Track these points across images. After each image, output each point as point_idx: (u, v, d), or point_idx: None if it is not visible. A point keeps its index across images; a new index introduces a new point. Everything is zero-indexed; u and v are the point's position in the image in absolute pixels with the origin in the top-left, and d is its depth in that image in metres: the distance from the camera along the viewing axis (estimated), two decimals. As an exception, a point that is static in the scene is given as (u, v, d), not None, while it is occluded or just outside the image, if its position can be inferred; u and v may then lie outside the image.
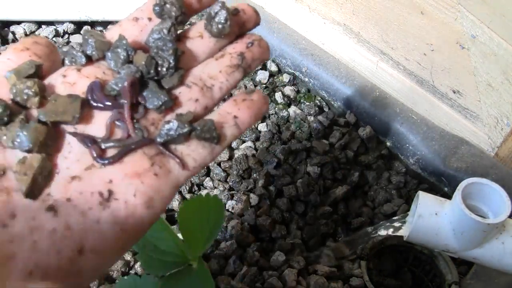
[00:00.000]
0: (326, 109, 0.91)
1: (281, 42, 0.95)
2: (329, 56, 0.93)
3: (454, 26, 0.70)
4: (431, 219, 0.54)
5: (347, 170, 0.81)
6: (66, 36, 1.02)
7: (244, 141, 0.85)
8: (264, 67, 0.97)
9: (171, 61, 0.35)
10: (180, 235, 0.52)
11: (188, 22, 0.40)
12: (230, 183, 0.78)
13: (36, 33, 1.01)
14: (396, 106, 0.84)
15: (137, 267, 0.68)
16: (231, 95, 0.37)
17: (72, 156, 0.32)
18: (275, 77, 0.96)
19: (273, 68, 0.96)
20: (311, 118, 0.88)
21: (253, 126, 0.87)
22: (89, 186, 0.31)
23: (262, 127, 0.87)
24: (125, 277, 0.57)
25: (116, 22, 1.11)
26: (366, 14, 0.84)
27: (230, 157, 0.81)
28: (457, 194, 0.51)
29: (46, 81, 0.35)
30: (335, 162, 0.81)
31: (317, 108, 0.89)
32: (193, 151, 0.34)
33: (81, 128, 0.33)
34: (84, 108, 0.33)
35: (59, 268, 0.28)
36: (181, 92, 0.36)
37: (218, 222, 0.50)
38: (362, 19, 0.85)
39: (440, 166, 0.77)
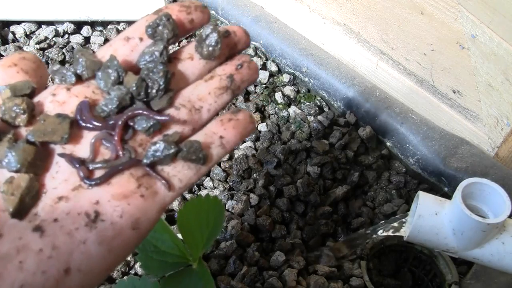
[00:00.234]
0: (326, 109, 0.91)
1: (281, 42, 0.95)
2: (329, 56, 0.93)
3: (454, 26, 0.70)
4: (431, 219, 0.54)
5: (347, 170, 0.81)
6: (66, 36, 1.02)
7: (244, 141, 0.85)
8: (264, 67, 0.97)
9: (161, 83, 0.35)
10: (180, 236, 0.52)
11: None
12: (230, 183, 0.78)
13: (36, 33, 1.01)
14: (396, 106, 0.84)
15: (137, 267, 0.68)
16: (217, 114, 0.38)
17: (59, 176, 0.32)
18: (275, 77, 0.96)
19: (273, 68, 0.96)
20: (311, 118, 0.88)
21: (253, 126, 0.87)
22: (76, 207, 0.31)
23: (262, 127, 0.87)
24: (125, 278, 0.57)
25: (116, 22, 1.11)
26: (366, 14, 0.84)
27: (230, 157, 0.81)
28: (457, 194, 0.51)
29: (35, 99, 0.35)
30: (335, 162, 0.81)
31: (317, 108, 0.89)
32: (179, 172, 0.34)
33: (70, 148, 0.33)
34: (73, 128, 0.33)
35: None
36: (170, 114, 0.36)
37: (218, 223, 0.50)
38: (362, 19, 0.85)
39: (440, 166, 0.77)
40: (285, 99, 0.91)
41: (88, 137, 0.34)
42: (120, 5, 1.01)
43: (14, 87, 0.33)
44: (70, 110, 0.34)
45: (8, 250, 0.28)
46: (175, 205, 0.76)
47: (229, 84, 0.38)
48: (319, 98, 0.92)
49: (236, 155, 0.81)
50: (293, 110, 0.89)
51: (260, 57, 0.98)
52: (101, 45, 0.99)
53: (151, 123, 0.34)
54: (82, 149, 0.34)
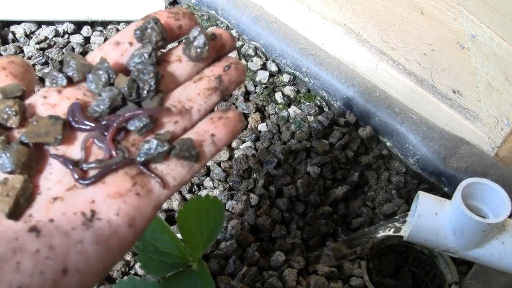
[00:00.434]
0: (326, 109, 0.91)
1: (281, 42, 0.95)
2: (329, 56, 0.93)
3: (454, 26, 0.70)
4: (431, 219, 0.54)
5: (347, 170, 0.81)
6: (66, 36, 1.02)
7: (244, 141, 0.85)
8: (264, 67, 0.97)
9: (152, 84, 0.36)
10: (179, 236, 0.52)
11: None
12: (230, 183, 0.78)
13: (36, 33, 1.01)
14: (396, 106, 0.84)
15: (137, 267, 0.68)
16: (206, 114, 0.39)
17: (53, 177, 0.32)
18: (275, 77, 0.96)
19: (273, 68, 0.96)
20: (311, 118, 0.88)
21: (253, 126, 0.87)
22: (72, 207, 0.31)
23: (262, 127, 0.87)
24: (125, 278, 0.57)
25: (116, 22, 1.11)
26: (366, 14, 0.84)
27: (230, 157, 0.82)
28: (457, 194, 0.51)
29: (27, 102, 0.35)
30: (335, 162, 0.81)
31: (317, 108, 0.89)
32: (173, 170, 0.34)
33: (63, 149, 0.34)
34: (66, 129, 0.34)
35: None
36: (166, 107, 0.37)
37: (218, 224, 0.50)
38: (362, 19, 0.85)
39: (440, 166, 0.77)
40: (285, 99, 0.91)
41: (81, 138, 0.34)
42: (120, 5, 1.01)
43: (4, 90, 0.34)
44: (61, 112, 0.35)
45: (4, 251, 0.28)
46: (175, 205, 0.76)
47: (217, 85, 0.38)
48: (319, 98, 0.92)
49: (236, 155, 0.81)
50: (293, 110, 0.89)
51: (260, 57, 0.98)
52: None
53: (144, 123, 0.35)
54: (75, 150, 0.34)
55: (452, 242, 0.54)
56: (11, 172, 0.31)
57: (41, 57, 0.94)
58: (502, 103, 0.70)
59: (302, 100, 0.92)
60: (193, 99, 0.38)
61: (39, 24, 1.02)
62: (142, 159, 0.33)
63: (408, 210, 0.61)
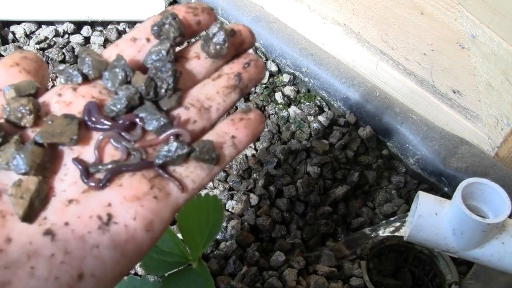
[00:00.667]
0: (326, 109, 0.91)
1: (281, 42, 0.95)
2: (329, 56, 0.93)
3: (454, 26, 0.70)
4: (431, 219, 0.54)
5: (347, 170, 0.81)
6: (66, 36, 1.02)
7: (244, 141, 0.85)
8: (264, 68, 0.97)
9: (170, 82, 0.35)
10: (179, 235, 0.52)
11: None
12: (230, 183, 0.78)
13: (36, 33, 1.01)
14: (396, 106, 0.84)
15: (137, 267, 0.68)
16: (228, 114, 0.37)
17: (68, 178, 0.32)
18: (275, 77, 0.96)
19: (273, 68, 0.96)
20: (311, 118, 0.88)
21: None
22: (87, 210, 0.30)
23: (262, 127, 0.87)
24: (125, 278, 0.57)
25: (116, 22, 1.11)
26: (366, 14, 0.84)
27: (230, 157, 0.81)
28: (457, 194, 0.51)
29: (41, 99, 0.34)
30: (335, 162, 0.81)
31: (317, 108, 0.89)
32: (192, 173, 0.33)
33: (78, 150, 0.33)
34: (81, 129, 0.33)
35: None
36: (179, 114, 0.35)
37: (218, 223, 0.50)
38: (362, 19, 0.85)
39: (440, 166, 0.77)
40: (285, 99, 0.91)
41: (97, 138, 0.33)
42: (120, 5, 1.01)
43: (18, 87, 0.32)
44: (76, 110, 0.34)
45: (19, 255, 0.27)
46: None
47: (237, 83, 0.37)
48: (319, 98, 0.92)
49: (236, 155, 0.81)
50: (293, 110, 0.89)
51: (260, 57, 0.98)
52: (101, 45, 0.99)
53: (162, 123, 0.33)
54: (91, 150, 0.33)
55: (452, 242, 0.54)
56: (25, 174, 0.30)
57: (41, 57, 0.94)
58: (502, 103, 0.70)
59: (302, 100, 0.92)
60: (212, 97, 0.36)
61: (39, 24, 1.02)
62: (161, 161, 0.32)
63: (408, 210, 0.61)
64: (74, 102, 0.34)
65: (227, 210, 0.75)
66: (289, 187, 0.76)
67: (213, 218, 0.50)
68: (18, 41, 0.99)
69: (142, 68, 0.36)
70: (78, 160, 0.32)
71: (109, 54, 0.37)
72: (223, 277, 0.65)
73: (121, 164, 0.32)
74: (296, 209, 0.76)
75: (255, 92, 0.93)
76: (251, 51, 1.00)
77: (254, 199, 0.76)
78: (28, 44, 0.98)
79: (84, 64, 0.35)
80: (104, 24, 1.04)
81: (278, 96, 0.91)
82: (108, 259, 0.29)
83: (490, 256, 0.53)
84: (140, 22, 0.43)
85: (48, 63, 0.95)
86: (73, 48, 0.98)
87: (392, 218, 0.64)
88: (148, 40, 0.37)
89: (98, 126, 0.33)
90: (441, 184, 0.78)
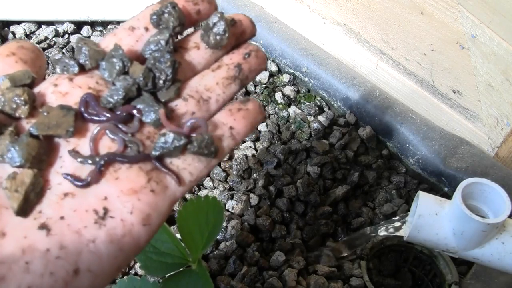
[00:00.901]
0: (326, 109, 0.91)
1: (281, 42, 0.95)
2: (329, 56, 0.93)
3: (454, 26, 0.70)
4: (431, 219, 0.54)
5: (347, 170, 0.81)
6: (66, 36, 1.02)
7: (244, 141, 0.85)
8: (264, 68, 0.97)
9: (168, 73, 0.34)
10: (179, 236, 0.52)
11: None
12: (230, 183, 0.78)
13: (36, 33, 1.01)
14: (396, 106, 0.84)
15: (137, 267, 0.68)
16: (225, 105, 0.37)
17: (64, 171, 0.31)
18: (275, 77, 0.96)
19: (273, 68, 0.96)
20: (311, 118, 0.88)
21: (253, 126, 0.87)
22: (83, 204, 0.29)
23: (262, 127, 0.87)
24: (125, 278, 0.57)
25: (116, 22, 1.11)
26: (366, 14, 0.84)
27: (230, 157, 0.81)
28: (457, 194, 0.51)
29: (36, 90, 0.33)
30: (335, 162, 0.81)
31: (317, 108, 0.89)
32: (189, 165, 0.33)
33: (74, 142, 0.32)
34: (77, 120, 0.32)
35: None
36: (178, 105, 0.35)
37: (218, 224, 0.50)
38: (362, 19, 0.85)
39: (440, 166, 0.77)
40: (285, 99, 0.91)
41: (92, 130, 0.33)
42: (120, 5, 1.01)
43: (13, 77, 0.32)
44: (73, 101, 0.33)
45: (13, 250, 0.27)
46: (175, 205, 0.76)
47: (237, 74, 0.37)
48: (319, 98, 0.92)
49: (236, 155, 0.81)
50: (293, 110, 0.89)
51: (260, 57, 0.98)
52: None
53: (159, 115, 0.33)
54: (87, 142, 0.32)
55: (452, 242, 0.54)
56: (20, 166, 0.29)
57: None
58: (502, 103, 0.70)
59: (302, 100, 0.92)
60: (211, 88, 0.36)
61: (39, 24, 1.02)
62: (158, 153, 0.32)
63: (408, 210, 0.61)
64: (71, 92, 0.34)
65: (227, 210, 0.75)
66: (289, 187, 0.76)
67: (213, 220, 0.50)
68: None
69: (140, 58, 0.35)
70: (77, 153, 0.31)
71: (107, 43, 0.36)
72: (223, 277, 0.65)
73: (117, 154, 0.31)
74: (296, 209, 0.76)
75: (255, 92, 0.93)
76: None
77: (254, 199, 0.76)
78: (28, 44, 0.98)
79: (81, 53, 0.34)
80: (104, 24, 1.04)
81: (278, 96, 0.91)
82: (104, 254, 0.28)
83: (490, 256, 0.53)
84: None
85: (48, 63, 0.95)
86: (73, 48, 0.98)
87: (392, 218, 0.64)
88: (146, 29, 0.36)
89: (95, 117, 0.32)
90: (441, 184, 0.78)
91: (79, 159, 0.31)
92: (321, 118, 0.86)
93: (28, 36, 1.00)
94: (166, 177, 0.32)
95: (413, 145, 0.80)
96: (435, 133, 0.79)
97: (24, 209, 0.28)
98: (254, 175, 0.79)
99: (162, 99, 0.34)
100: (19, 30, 1.00)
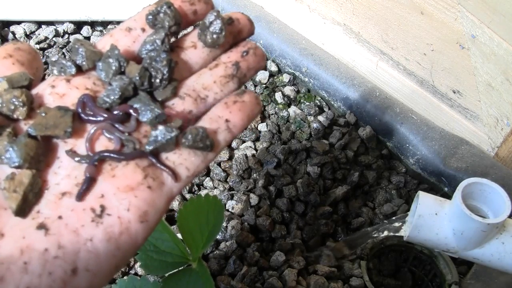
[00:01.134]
0: (326, 109, 0.91)
1: (281, 42, 0.95)
2: (329, 56, 0.93)
3: (454, 26, 0.70)
4: (431, 219, 0.54)
5: (347, 170, 0.81)
6: (66, 36, 1.02)
7: (244, 141, 0.85)
8: (264, 67, 0.97)
9: (165, 72, 0.34)
10: (179, 235, 0.52)
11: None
12: (230, 183, 0.78)
13: (36, 33, 1.01)
14: (396, 106, 0.84)
15: (137, 267, 0.68)
16: None
17: (61, 171, 0.31)
18: (275, 77, 0.96)
19: (273, 68, 0.96)
20: (311, 118, 0.88)
21: (253, 126, 0.87)
22: (81, 202, 0.30)
23: (262, 127, 0.87)
24: (125, 278, 0.57)
25: (116, 22, 1.11)
26: (366, 14, 0.84)
27: (230, 157, 0.81)
28: (457, 194, 0.51)
29: (34, 91, 0.33)
30: (335, 162, 0.81)
31: (317, 108, 0.89)
32: (186, 160, 0.33)
33: (72, 142, 0.32)
34: (75, 121, 0.32)
35: None
36: (174, 104, 0.35)
37: (218, 223, 0.50)
38: (362, 19, 0.85)
39: (440, 166, 0.77)
40: (285, 99, 0.91)
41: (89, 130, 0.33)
42: (120, 5, 1.01)
43: (11, 79, 0.32)
44: (70, 102, 0.33)
45: (11, 250, 0.27)
46: (175, 205, 0.76)
47: (234, 72, 0.36)
48: (319, 98, 0.92)
49: (236, 155, 0.81)
50: (293, 110, 0.89)
51: (260, 57, 0.98)
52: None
53: (156, 114, 0.33)
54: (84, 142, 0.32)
55: (452, 242, 0.54)
56: (18, 167, 0.29)
57: (41, 57, 0.94)
58: (502, 103, 0.70)
59: (302, 100, 0.92)
60: (209, 87, 0.35)
61: (39, 24, 1.02)
62: (151, 147, 0.32)
63: (408, 210, 0.61)
64: (68, 93, 0.34)
65: (227, 210, 0.75)
66: (289, 187, 0.76)
67: (213, 219, 0.50)
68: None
69: (137, 59, 0.35)
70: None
71: (103, 44, 0.36)
72: (223, 277, 0.65)
73: (113, 151, 0.32)
74: (296, 209, 0.76)
75: (255, 92, 0.93)
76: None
77: (254, 199, 0.76)
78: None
79: (78, 54, 0.34)
80: (104, 24, 1.04)
81: (278, 96, 0.91)
82: (102, 253, 0.28)
83: (490, 256, 0.53)
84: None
85: (47, 63, 0.95)
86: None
87: (392, 218, 0.64)
88: (143, 30, 0.36)
89: (92, 118, 0.33)
90: (441, 184, 0.78)
91: (76, 159, 0.31)
92: (321, 118, 0.86)
93: (28, 36, 1.00)
94: (163, 173, 0.32)
95: (413, 145, 0.80)
96: (435, 133, 0.79)
97: (23, 210, 0.29)
98: (254, 175, 0.79)
99: (158, 98, 0.34)
100: (19, 30, 1.00)
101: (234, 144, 0.84)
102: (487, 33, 0.66)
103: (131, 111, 0.33)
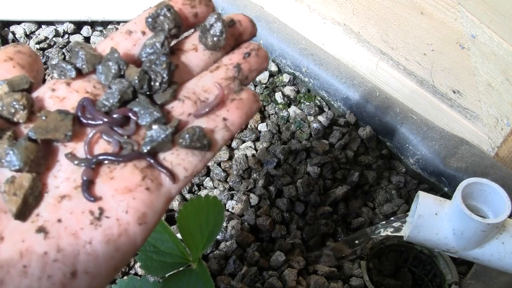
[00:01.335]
0: (326, 109, 0.91)
1: (281, 42, 0.95)
2: (329, 56, 0.93)
3: (454, 26, 0.70)
4: (431, 219, 0.54)
5: (347, 170, 0.81)
6: (66, 36, 1.02)
7: (244, 141, 0.85)
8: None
9: (164, 75, 0.34)
10: (179, 236, 0.52)
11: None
12: (230, 183, 0.78)
13: (36, 33, 1.01)
14: (396, 106, 0.84)
15: (137, 267, 0.68)
16: None
17: (61, 174, 0.31)
18: (275, 77, 0.96)
19: (273, 68, 0.96)
20: (311, 118, 0.88)
21: (253, 126, 0.87)
22: (79, 205, 0.29)
23: (262, 127, 0.87)
24: (125, 278, 0.57)
25: (116, 22, 1.11)
26: (366, 14, 0.84)
27: (230, 157, 0.81)
28: (457, 194, 0.51)
29: (34, 94, 0.33)
30: (335, 162, 0.81)
31: (317, 108, 0.89)
32: (183, 160, 0.32)
33: (72, 146, 0.32)
34: (75, 125, 0.32)
35: None
36: (174, 107, 0.35)
37: (218, 224, 0.50)
38: (362, 19, 0.85)
39: (440, 166, 0.77)
40: (285, 99, 0.91)
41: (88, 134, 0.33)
42: (120, 5, 1.01)
43: (11, 82, 0.32)
44: (70, 105, 0.33)
45: (11, 254, 0.27)
46: (175, 205, 0.76)
47: (236, 74, 0.36)
48: (319, 98, 0.92)
49: (236, 155, 0.81)
50: (293, 110, 0.89)
51: (260, 57, 0.98)
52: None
53: (155, 117, 0.33)
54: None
55: (452, 242, 0.54)
56: (19, 170, 0.29)
57: (41, 57, 0.94)
58: (502, 103, 0.70)
59: (302, 100, 0.92)
60: (209, 89, 0.35)
61: (39, 24, 1.02)
62: (148, 147, 0.32)
63: (408, 210, 0.61)
64: (68, 97, 0.34)
65: (227, 210, 0.75)
66: (289, 187, 0.76)
67: (213, 219, 0.50)
68: (18, 41, 0.99)
69: (137, 62, 0.35)
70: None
71: (104, 47, 0.36)
72: (223, 277, 0.65)
73: (110, 153, 0.32)
74: (296, 209, 0.76)
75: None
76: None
77: (254, 199, 0.76)
78: (28, 44, 0.98)
79: (78, 58, 0.34)
80: (104, 24, 1.04)
81: (278, 96, 0.91)
82: (101, 255, 0.28)
83: (490, 256, 0.53)
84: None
85: (47, 63, 0.95)
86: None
87: (392, 218, 0.64)
88: (143, 33, 0.36)
89: (92, 122, 0.33)
90: (441, 184, 0.78)
91: (75, 162, 0.31)
92: (321, 118, 0.86)
93: (28, 36, 1.00)
94: (161, 175, 0.32)
95: (413, 145, 0.80)
96: (435, 133, 0.79)
97: (23, 213, 0.29)
98: (254, 175, 0.79)
99: (158, 101, 0.34)
100: (19, 30, 1.00)
101: (234, 144, 0.84)
102: (487, 33, 0.66)
103: (130, 114, 0.33)
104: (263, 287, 0.65)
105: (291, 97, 0.92)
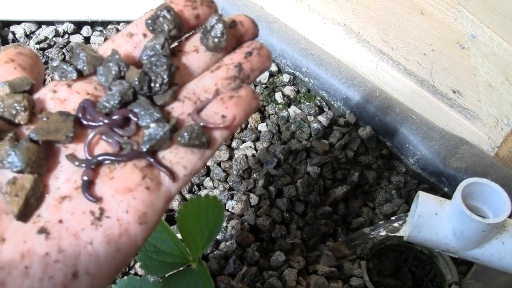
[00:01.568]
0: (326, 109, 0.91)
1: (281, 42, 0.95)
2: (329, 56, 0.93)
3: (454, 26, 0.70)
4: (431, 219, 0.54)
5: (347, 170, 0.81)
6: (66, 36, 1.02)
7: (244, 141, 0.85)
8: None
9: (165, 77, 0.34)
10: (179, 236, 0.52)
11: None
12: (230, 183, 0.78)
13: (36, 33, 1.01)
14: (396, 106, 0.84)
15: (137, 267, 0.68)
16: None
17: (62, 175, 0.31)
18: (275, 77, 0.96)
19: (273, 68, 0.96)
20: (311, 118, 0.88)
21: (253, 126, 0.87)
22: (80, 206, 0.30)
23: (262, 127, 0.87)
24: (125, 278, 0.57)
25: (116, 22, 1.11)
26: (366, 14, 0.84)
27: (230, 157, 0.81)
28: (457, 194, 0.51)
29: (35, 96, 0.34)
30: (335, 162, 0.81)
31: (317, 108, 0.89)
32: (182, 158, 0.32)
33: (72, 147, 0.32)
34: (76, 126, 0.32)
35: None
36: (174, 107, 0.34)
37: (218, 223, 0.50)
38: (362, 19, 0.85)
39: (440, 166, 0.77)
40: (285, 99, 0.91)
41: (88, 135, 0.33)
42: (120, 5, 1.01)
43: (13, 84, 0.32)
44: (71, 107, 0.33)
45: (12, 255, 0.27)
46: (175, 205, 0.76)
47: (237, 74, 0.35)
48: (319, 98, 0.92)
49: (236, 155, 0.81)
50: (293, 110, 0.89)
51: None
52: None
53: (155, 118, 0.33)
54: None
55: (452, 242, 0.54)
56: (20, 171, 0.30)
57: (41, 57, 0.94)
58: (502, 103, 0.70)
59: (302, 100, 0.92)
60: (210, 90, 0.35)
61: (39, 24, 1.02)
62: (147, 146, 0.32)
63: (408, 210, 0.61)
64: (69, 98, 0.34)
65: (227, 210, 0.75)
66: (289, 187, 0.76)
67: (213, 219, 0.50)
68: (18, 41, 0.99)
69: (138, 64, 0.35)
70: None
71: (105, 49, 0.36)
72: (223, 277, 0.65)
73: (110, 153, 0.32)
74: (296, 209, 0.76)
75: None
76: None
77: (254, 199, 0.76)
78: (28, 44, 0.98)
79: (79, 59, 0.34)
80: (104, 24, 1.04)
81: (278, 96, 0.91)
82: (102, 255, 0.28)
83: (490, 256, 0.53)
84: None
85: (47, 63, 0.95)
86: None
87: (392, 218, 0.64)
88: (144, 35, 0.36)
89: (92, 123, 0.33)
90: (441, 184, 0.78)
91: (76, 163, 0.31)
92: (321, 118, 0.86)
93: (28, 36, 1.00)
94: (160, 174, 0.32)
95: (413, 145, 0.80)
96: (435, 133, 0.79)
97: (24, 214, 0.29)
98: (254, 175, 0.79)
99: (158, 102, 0.34)
100: (19, 30, 1.00)
101: (234, 144, 0.84)
102: (487, 33, 0.66)
103: (130, 115, 0.33)
104: (263, 287, 0.65)
105: (291, 97, 0.92)
